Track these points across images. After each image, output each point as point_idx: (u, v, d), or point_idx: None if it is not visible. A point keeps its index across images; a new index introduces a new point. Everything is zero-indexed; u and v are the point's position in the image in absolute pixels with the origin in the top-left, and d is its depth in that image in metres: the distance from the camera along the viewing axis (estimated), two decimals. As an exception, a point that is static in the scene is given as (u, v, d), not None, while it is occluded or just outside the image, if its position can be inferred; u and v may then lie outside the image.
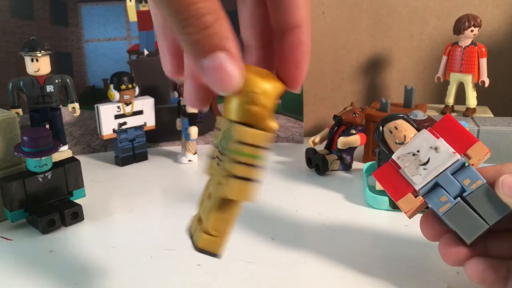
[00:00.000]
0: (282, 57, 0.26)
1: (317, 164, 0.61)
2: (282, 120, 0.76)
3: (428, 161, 0.33)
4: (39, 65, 0.58)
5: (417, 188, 0.33)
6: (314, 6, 0.77)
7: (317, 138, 0.65)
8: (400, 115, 0.42)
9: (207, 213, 0.26)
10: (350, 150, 0.62)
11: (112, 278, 0.39)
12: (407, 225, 0.47)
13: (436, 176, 0.33)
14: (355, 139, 0.61)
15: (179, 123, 0.68)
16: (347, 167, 0.63)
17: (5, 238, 0.47)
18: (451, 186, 0.32)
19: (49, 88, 0.59)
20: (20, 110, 0.60)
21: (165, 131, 0.74)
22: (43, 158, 0.47)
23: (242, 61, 0.22)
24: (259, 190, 0.25)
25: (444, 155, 0.33)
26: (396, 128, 0.41)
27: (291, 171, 0.63)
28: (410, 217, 0.35)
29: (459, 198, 0.32)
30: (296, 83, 0.26)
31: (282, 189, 0.58)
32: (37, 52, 0.57)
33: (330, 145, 0.63)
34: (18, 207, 0.47)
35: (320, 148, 0.64)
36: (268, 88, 0.23)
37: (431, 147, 0.33)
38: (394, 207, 0.50)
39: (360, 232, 0.46)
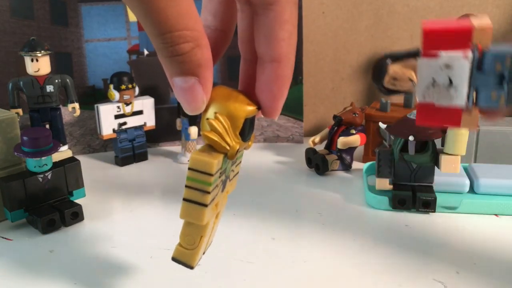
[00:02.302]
0: (259, 86, 0.26)
1: (317, 164, 0.61)
2: (282, 120, 0.76)
3: (451, 81, 0.30)
4: (39, 65, 0.58)
5: (463, 106, 0.30)
6: (314, 6, 0.77)
7: (317, 138, 0.65)
8: (385, 62, 0.37)
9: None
10: (350, 150, 0.62)
11: (112, 278, 0.39)
12: (407, 225, 0.47)
13: (470, 84, 0.29)
14: (355, 139, 0.61)
15: (179, 123, 0.68)
16: (347, 167, 0.63)
17: (5, 238, 0.47)
18: (487, 82, 0.28)
19: (49, 88, 0.59)
20: (20, 110, 0.60)
21: (165, 131, 0.74)
22: (43, 158, 0.47)
23: (210, 87, 0.24)
24: (207, 214, 0.26)
25: (457, 63, 0.29)
26: (395, 79, 0.38)
27: (291, 171, 0.63)
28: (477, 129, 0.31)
29: (505, 84, 0.28)
30: (271, 113, 0.27)
31: (282, 189, 0.58)
32: (37, 52, 0.57)
33: (330, 145, 0.63)
34: (18, 207, 0.47)
35: (320, 148, 0.64)
36: (226, 111, 0.25)
37: (441, 69, 0.30)
38: (394, 207, 0.50)
39: (360, 232, 0.46)
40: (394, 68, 0.37)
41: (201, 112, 0.25)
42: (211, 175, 0.25)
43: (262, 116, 0.27)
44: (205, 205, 0.25)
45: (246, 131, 0.26)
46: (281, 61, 0.25)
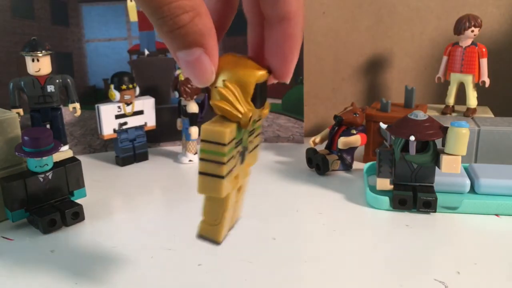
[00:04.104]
0: (269, 49, 0.25)
1: (318, 164, 0.61)
2: (283, 120, 0.76)
3: None
4: (40, 65, 0.58)
5: None
6: (315, 6, 0.77)
7: (317, 138, 0.65)
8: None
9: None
10: (351, 150, 0.62)
11: (112, 278, 0.39)
12: (407, 225, 0.47)
13: None
14: (356, 139, 0.61)
15: (179, 123, 0.68)
16: (347, 167, 0.63)
17: (6, 238, 0.47)
18: None
19: (50, 88, 0.59)
20: (21, 110, 0.60)
21: (166, 131, 0.74)
22: (44, 158, 0.47)
23: (217, 56, 0.23)
24: (225, 186, 0.25)
25: None
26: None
27: (292, 171, 0.63)
28: None
29: None
30: (284, 76, 0.25)
31: (282, 189, 0.58)
32: (38, 52, 0.57)
33: (331, 145, 0.63)
34: (19, 207, 0.47)
35: (321, 148, 0.64)
36: (236, 78, 0.24)
37: None
38: (394, 207, 0.50)
39: (360, 232, 0.46)
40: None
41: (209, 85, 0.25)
42: (224, 145, 0.24)
43: (274, 81, 0.26)
44: (222, 177, 0.24)
45: (257, 97, 0.25)
46: (290, 19, 0.24)
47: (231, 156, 0.25)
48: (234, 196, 0.28)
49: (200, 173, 0.25)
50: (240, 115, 0.24)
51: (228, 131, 0.24)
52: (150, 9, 0.21)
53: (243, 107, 0.24)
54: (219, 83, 0.24)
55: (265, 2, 0.24)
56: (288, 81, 0.26)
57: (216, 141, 0.24)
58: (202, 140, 0.24)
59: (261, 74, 0.25)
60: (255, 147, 0.29)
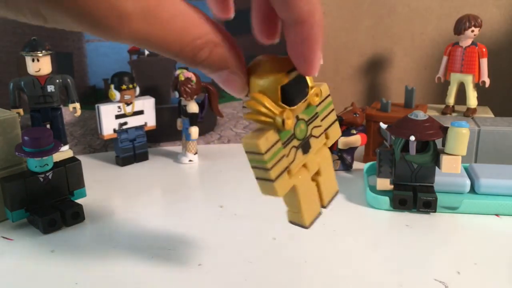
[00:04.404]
0: (289, 49, 0.25)
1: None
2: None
3: None
4: (40, 65, 0.58)
5: None
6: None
7: (317, 138, 0.65)
8: None
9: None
10: (351, 150, 0.62)
11: (112, 278, 0.39)
12: (407, 225, 0.47)
13: None
14: (356, 139, 0.61)
15: (179, 123, 0.68)
16: (347, 167, 0.63)
17: (6, 238, 0.47)
18: None
19: (50, 88, 0.59)
20: (21, 110, 0.60)
21: (166, 131, 0.74)
22: (44, 158, 0.47)
23: (243, 69, 0.25)
24: (279, 186, 0.27)
25: None
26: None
27: (292, 171, 0.63)
28: None
29: None
30: (307, 73, 0.26)
31: (282, 189, 0.58)
32: (38, 52, 0.57)
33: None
34: (19, 207, 0.47)
35: (321, 148, 0.64)
36: (259, 88, 0.25)
37: None
38: (395, 207, 0.50)
39: (361, 232, 0.46)
40: None
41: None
42: (261, 154, 0.25)
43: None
44: (272, 180, 0.26)
45: (289, 96, 0.25)
46: (304, 21, 0.23)
47: (280, 157, 0.27)
48: (309, 183, 0.30)
49: (256, 178, 0.27)
50: (272, 120, 0.26)
51: (261, 142, 0.25)
52: (171, 55, 0.22)
53: (274, 111, 0.25)
54: (247, 97, 0.26)
55: (276, 5, 0.23)
56: (315, 74, 0.26)
57: (254, 151, 0.26)
58: (246, 152, 0.26)
59: (280, 77, 0.25)
60: (330, 126, 0.31)
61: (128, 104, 0.66)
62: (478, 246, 0.43)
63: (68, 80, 0.61)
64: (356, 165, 0.64)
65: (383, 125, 0.53)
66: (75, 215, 0.48)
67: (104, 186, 0.60)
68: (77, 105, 0.62)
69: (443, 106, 0.71)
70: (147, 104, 0.68)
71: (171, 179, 0.62)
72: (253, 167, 0.27)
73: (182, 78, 0.64)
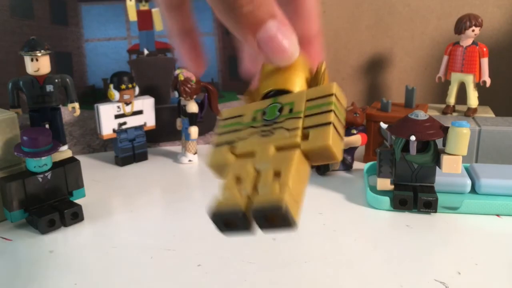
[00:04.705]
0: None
1: (318, 164, 0.61)
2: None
3: None
4: (39, 64, 0.57)
5: None
6: (315, 5, 0.76)
7: (317, 138, 0.64)
8: None
9: (285, 176, 0.22)
10: (351, 150, 0.62)
11: (112, 278, 0.39)
12: (408, 225, 0.47)
13: None
14: (356, 139, 0.61)
15: (179, 123, 0.68)
16: (348, 167, 0.62)
17: (4, 238, 0.46)
18: None
19: (49, 88, 0.59)
20: (19, 110, 0.59)
21: (165, 131, 0.74)
22: (43, 158, 0.47)
23: (289, 24, 0.23)
24: (216, 157, 0.26)
25: None
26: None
27: (292, 171, 0.63)
28: None
29: None
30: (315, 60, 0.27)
31: (282, 189, 0.57)
32: (37, 52, 0.57)
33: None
34: (18, 207, 0.47)
35: (321, 148, 0.64)
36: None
37: None
38: (395, 207, 0.49)
39: (361, 232, 0.46)
40: None
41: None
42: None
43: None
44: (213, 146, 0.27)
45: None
46: (310, 43, 0.25)
47: (233, 129, 0.26)
48: (244, 170, 0.24)
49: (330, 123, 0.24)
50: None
51: (225, 110, 0.27)
52: (225, 10, 0.21)
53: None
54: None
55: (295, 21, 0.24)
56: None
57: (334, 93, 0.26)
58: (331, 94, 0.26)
59: (272, 83, 0.26)
60: (315, 126, 0.24)
61: (127, 104, 0.66)
62: (479, 247, 0.43)
63: (67, 79, 0.61)
64: (356, 165, 0.64)
65: (384, 125, 0.52)
66: (74, 215, 0.48)
67: (103, 186, 0.59)
68: (76, 105, 0.62)
69: (443, 106, 0.71)
70: (147, 104, 0.68)
71: (171, 179, 0.62)
72: (331, 111, 0.25)
73: (182, 78, 0.64)
